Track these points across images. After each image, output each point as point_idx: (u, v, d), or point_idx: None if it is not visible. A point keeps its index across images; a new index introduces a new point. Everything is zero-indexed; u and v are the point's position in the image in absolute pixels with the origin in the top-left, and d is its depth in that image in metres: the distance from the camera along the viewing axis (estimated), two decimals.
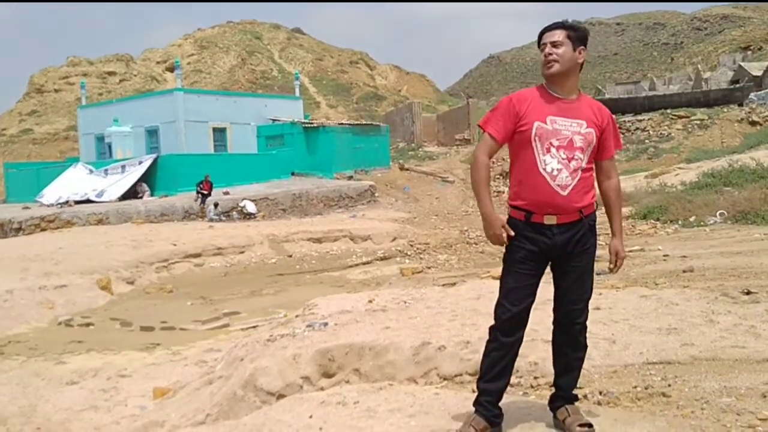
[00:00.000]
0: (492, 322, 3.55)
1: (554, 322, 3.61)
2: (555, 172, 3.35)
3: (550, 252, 3.43)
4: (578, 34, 3.44)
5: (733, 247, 10.44)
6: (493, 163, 34.54)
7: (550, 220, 3.39)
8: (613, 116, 3.60)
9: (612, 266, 3.59)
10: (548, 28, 3.48)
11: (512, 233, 3.43)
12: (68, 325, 12.24)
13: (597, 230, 3.55)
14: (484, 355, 3.57)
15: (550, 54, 3.40)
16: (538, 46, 3.54)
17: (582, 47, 3.44)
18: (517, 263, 3.46)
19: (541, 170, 3.36)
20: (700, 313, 5.72)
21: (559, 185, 3.35)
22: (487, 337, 3.57)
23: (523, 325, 3.51)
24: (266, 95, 48.54)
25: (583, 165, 3.40)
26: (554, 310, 3.58)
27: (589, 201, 3.45)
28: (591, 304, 5.86)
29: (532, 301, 3.50)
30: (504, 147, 3.56)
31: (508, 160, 3.60)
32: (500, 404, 3.54)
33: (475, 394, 3.60)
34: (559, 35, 3.42)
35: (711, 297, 6.36)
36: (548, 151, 3.37)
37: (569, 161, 3.36)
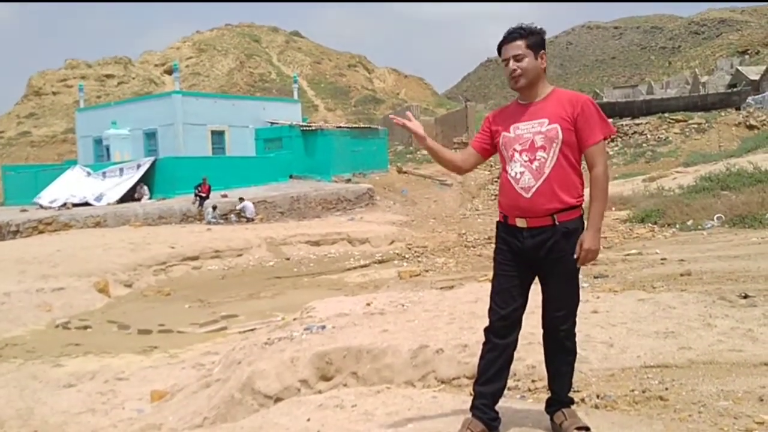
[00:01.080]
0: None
1: (542, 328, 3.62)
2: (518, 176, 3.41)
3: (523, 255, 3.45)
4: (537, 40, 3.43)
5: (731, 251, 10.45)
6: (491, 166, 34.60)
7: (521, 222, 3.43)
8: (594, 102, 3.47)
9: (576, 256, 3.40)
10: (507, 40, 3.46)
11: (402, 120, 3.66)
12: (65, 328, 12.23)
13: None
14: (480, 357, 3.60)
15: (515, 70, 3.43)
16: (500, 56, 3.53)
17: (542, 51, 3.45)
18: (499, 265, 3.55)
19: (508, 175, 3.47)
20: (697, 317, 5.72)
21: (522, 188, 3.40)
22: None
23: (515, 327, 3.52)
24: (264, 98, 48.53)
25: (550, 163, 3.35)
26: (542, 316, 3.59)
27: (565, 203, 3.36)
28: (589, 307, 5.93)
29: (523, 304, 3.51)
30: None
31: None
32: (497, 407, 3.55)
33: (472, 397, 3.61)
34: (519, 47, 3.41)
35: (708, 301, 6.37)
36: (512, 157, 3.45)
37: (531, 162, 3.39)
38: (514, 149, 3.43)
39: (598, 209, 3.39)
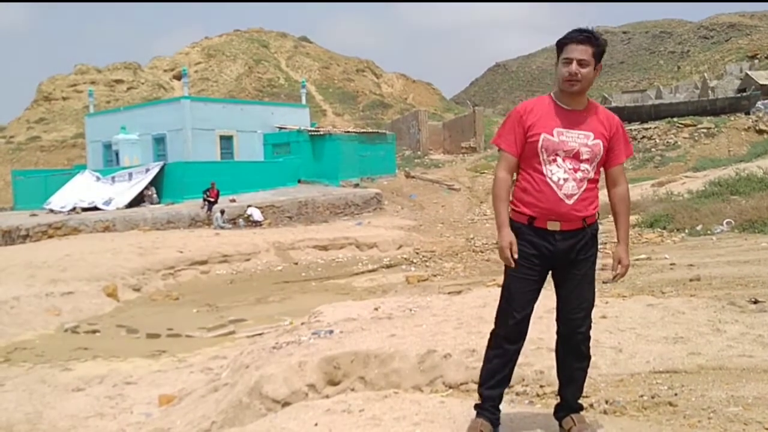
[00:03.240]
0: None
1: (557, 333, 3.59)
2: (561, 182, 3.37)
3: (552, 258, 3.43)
4: (600, 51, 3.39)
5: (741, 256, 10.38)
6: None
7: (553, 226, 3.40)
8: (622, 123, 3.56)
9: (615, 273, 3.51)
10: (578, 40, 3.35)
11: (515, 255, 3.38)
12: (74, 332, 12.27)
13: (600, 239, 3.55)
14: (486, 362, 3.58)
15: (577, 74, 3.34)
16: (559, 52, 3.42)
17: (600, 64, 3.42)
18: (521, 268, 3.44)
19: (547, 179, 3.38)
20: (707, 322, 5.69)
21: (565, 194, 3.37)
22: None
23: (526, 330, 3.52)
24: (273, 103, 48.60)
25: (590, 176, 3.40)
26: (557, 320, 3.57)
27: (592, 211, 3.45)
28: (597, 313, 5.87)
29: (533, 308, 3.51)
30: None
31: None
32: (507, 413, 3.56)
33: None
34: (587, 52, 3.34)
35: (718, 306, 6.33)
36: (554, 161, 3.38)
37: (575, 172, 3.38)
38: (557, 154, 3.38)
39: (627, 225, 3.56)
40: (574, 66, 3.33)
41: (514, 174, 3.53)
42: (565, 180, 3.37)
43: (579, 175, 3.38)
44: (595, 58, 3.36)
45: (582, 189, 3.39)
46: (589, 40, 3.35)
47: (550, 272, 3.53)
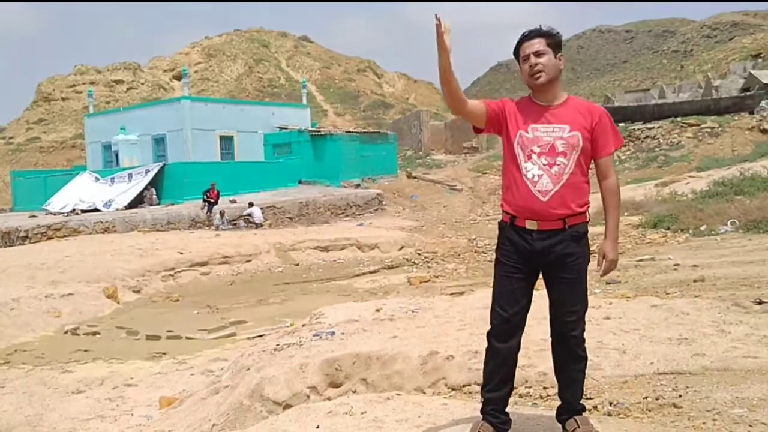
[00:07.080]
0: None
1: (551, 335, 3.56)
2: (536, 178, 3.37)
3: (531, 257, 3.41)
4: (556, 41, 3.44)
5: (745, 257, 10.35)
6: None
7: (531, 224, 3.39)
8: (608, 113, 3.52)
9: (598, 267, 3.50)
10: (527, 38, 3.45)
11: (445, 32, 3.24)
12: (74, 334, 12.25)
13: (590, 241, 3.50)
14: (484, 364, 3.58)
15: (536, 64, 3.40)
16: (516, 57, 3.51)
17: (560, 53, 3.47)
18: (503, 267, 3.50)
19: (523, 176, 3.40)
20: (711, 323, 5.66)
21: (539, 191, 3.36)
22: None
23: (518, 330, 3.49)
24: (273, 103, 48.65)
25: (569, 170, 3.37)
26: (550, 323, 3.54)
27: (574, 210, 3.39)
28: (601, 313, 5.88)
29: (526, 306, 3.49)
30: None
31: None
32: (509, 414, 3.53)
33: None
34: (539, 44, 3.41)
35: (722, 307, 6.30)
36: (529, 158, 3.39)
37: (551, 167, 3.37)
38: (532, 150, 3.39)
39: (616, 219, 3.49)
40: (532, 58, 3.40)
41: (467, 106, 3.45)
42: (540, 176, 3.37)
43: (555, 170, 3.36)
44: (551, 47, 3.41)
45: (559, 185, 3.36)
46: (538, 33, 3.43)
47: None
